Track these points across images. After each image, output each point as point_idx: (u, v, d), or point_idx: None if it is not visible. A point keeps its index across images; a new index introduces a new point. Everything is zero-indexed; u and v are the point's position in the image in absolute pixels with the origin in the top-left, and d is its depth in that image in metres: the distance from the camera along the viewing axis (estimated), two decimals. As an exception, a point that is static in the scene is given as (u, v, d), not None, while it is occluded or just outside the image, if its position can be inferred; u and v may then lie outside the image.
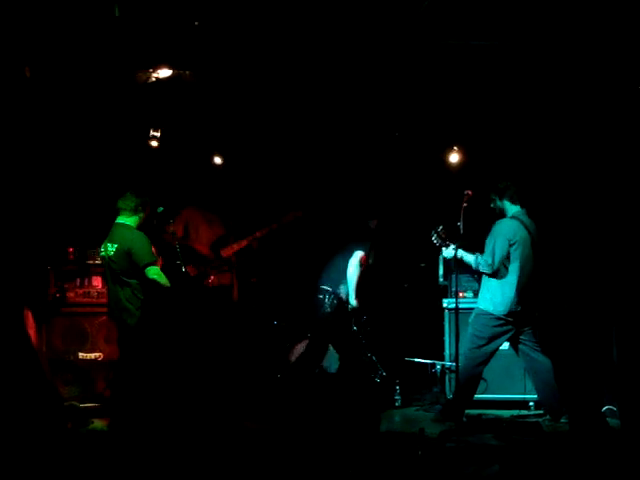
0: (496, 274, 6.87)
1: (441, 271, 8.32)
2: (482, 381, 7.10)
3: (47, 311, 7.57)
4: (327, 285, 8.15)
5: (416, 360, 8.40)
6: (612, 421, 6.85)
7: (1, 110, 6.43)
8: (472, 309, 7.17)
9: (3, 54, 6.20)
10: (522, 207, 7.03)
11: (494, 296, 6.91)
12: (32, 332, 6.80)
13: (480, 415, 7.30)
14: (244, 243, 8.23)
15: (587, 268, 7.56)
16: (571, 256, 7.72)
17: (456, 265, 7.08)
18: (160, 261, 6.91)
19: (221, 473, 5.34)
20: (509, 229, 6.90)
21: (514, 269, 6.86)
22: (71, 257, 7.90)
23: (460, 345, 6.94)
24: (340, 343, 8.12)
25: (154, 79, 6.99)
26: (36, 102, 6.90)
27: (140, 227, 6.83)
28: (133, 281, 6.65)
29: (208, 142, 8.23)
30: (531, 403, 7.58)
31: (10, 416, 5.79)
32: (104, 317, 7.51)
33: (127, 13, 5.84)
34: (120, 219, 6.80)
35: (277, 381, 7.85)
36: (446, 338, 7.94)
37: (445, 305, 7.98)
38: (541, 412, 7.23)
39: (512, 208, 7.02)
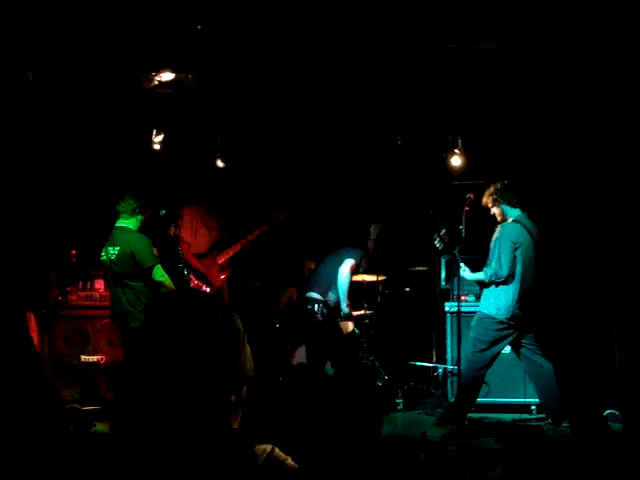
0: (506, 280, 6.85)
1: (443, 275, 8.34)
2: (484, 385, 7.10)
3: (49, 314, 7.58)
4: (315, 292, 8.12)
5: (418, 364, 8.40)
6: (614, 425, 6.84)
7: (4, 114, 6.44)
8: (474, 313, 7.17)
9: (6, 58, 6.21)
10: (523, 211, 7.03)
11: (496, 300, 6.90)
12: (34, 335, 6.81)
13: (482, 419, 7.30)
14: (238, 247, 8.23)
15: (589, 272, 7.56)
16: (573, 260, 7.72)
17: (458, 269, 7.09)
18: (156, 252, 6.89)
19: (222, 476, 5.34)
20: (513, 233, 6.89)
21: (517, 273, 6.85)
22: (73, 260, 7.91)
23: (462, 349, 6.96)
24: (334, 351, 8.10)
25: (156, 83, 7.00)
26: (39, 106, 6.91)
27: (143, 230, 6.83)
28: (136, 284, 6.63)
29: (207, 145, 8.24)
30: (533, 407, 7.58)
31: (11, 418, 5.79)
32: (106, 320, 7.50)
33: (129, 17, 5.86)
34: (120, 222, 6.79)
35: (279, 384, 7.86)
36: (448, 342, 7.94)
37: (447, 309, 7.98)
38: (543, 416, 7.23)
39: (512, 212, 7.01)
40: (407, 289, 9.32)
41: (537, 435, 6.69)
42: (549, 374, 6.90)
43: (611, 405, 7.11)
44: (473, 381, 6.91)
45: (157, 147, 7.97)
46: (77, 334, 7.76)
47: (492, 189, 7.04)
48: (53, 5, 5.70)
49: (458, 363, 6.97)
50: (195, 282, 7.96)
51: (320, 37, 6.16)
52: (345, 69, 6.83)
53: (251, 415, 6.80)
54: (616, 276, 7.02)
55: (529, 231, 6.92)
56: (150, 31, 6.04)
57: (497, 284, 6.89)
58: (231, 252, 8.21)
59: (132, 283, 6.64)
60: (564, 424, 6.88)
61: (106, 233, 6.89)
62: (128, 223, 6.76)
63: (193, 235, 8.14)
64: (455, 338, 7.25)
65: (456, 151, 8.01)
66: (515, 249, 6.84)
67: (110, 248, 6.67)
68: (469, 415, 7.03)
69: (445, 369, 7.98)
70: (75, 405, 7.31)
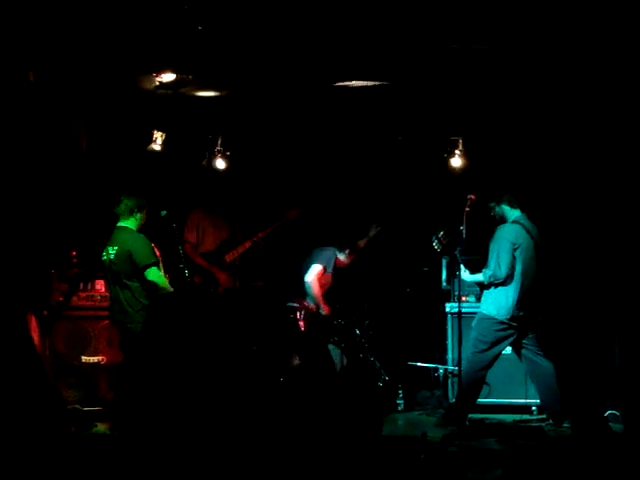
0: (506, 281, 6.85)
1: (444, 275, 8.33)
2: (485, 385, 7.10)
3: (51, 315, 7.58)
4: (294, 300, 8.14)
5: (419, 364, 8.40)
6: (615, 426, 6.84)
7: (5, 115, 6.44)
8: (475, 313, 7.17)
9: (7, 58, 6.21)
10: (522, 211, 7.03)
11: (497, 300, 6.91)
12: (35, 335, 6.81)
13: (483, 419, 7.30)
14: (247, 245, 8.24)
15: (589, 272, 7.56)
16: (573, 260, 7.72)
17: (459, 269, 7.10)
18: (158, 252, 6.90)
19: (224, 476, 5.35)
20: (511, 233, 6.90)
21: (517, 273, 6.85)
22: (74, 261, 7.92)
23: (463, 349, 6.95)
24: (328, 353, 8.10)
25: (158, 83, 7.00)
26: (40, 107, 6.91)
27: (143, 229, 6.85)
28: (134, 284, 6.65)
29: (210, 145, 8.24)
30: (534, 407, 7.58)
31: (13, 419, 5.80)
32: (107, 321, 7.51)
33: (130, 18, 5.86)
34: (120, 223, 6.82)
35: (280, 385, 7.85)
36: (449, 342, 7.94)
37: (448, 309, 7.98)
38: (544, 417, 7.23)
39: (512, 213, 7.01)
40: (408, 289, 9.30)
41: (538, 436, 6.69)
42: (550, 375, 6.90)
43: (612, 406, 7.11)
44: (474, 382, 6.92)
45: (158, 148, 7.97)
46: (78, 335, 7.76)
47: (492, 190, 7.06)
48: (54, 6, 5.70)
49: (459, 364, 6.97)
50: (200, 281, 7.99)
51: (323, 37, 6.16)
52: (347, 69, 6.83)
53: (253, 415, 6.81)
54: (617, 277, 7.03)
55: (528, 232, 6.92)
56: (151, 32, 6.04)
57: (497, 285, 6.89)
58: (241, 250, 8.23)
59: (130, 283, 6.65)
60: (565, 425, 6.88)
61: (107, 234, 6.90)
62: (128, 223, 6.79)
63: (199, 235, 8.15)
64: (456, 339, 7.25)
65: (457, 152, 8.01)
66: (514, 250, 6.84)
67: (110, 248, 6.71)
68: (470, 416, 7.03)
69: (446, 370, 7.98)
70: (76, 406, 7.33)
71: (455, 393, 7.53)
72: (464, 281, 7.33)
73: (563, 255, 7.68)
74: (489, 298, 6.99)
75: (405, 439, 6.65)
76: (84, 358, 7.72)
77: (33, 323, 6.89)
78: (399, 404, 8.00)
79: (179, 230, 7.35)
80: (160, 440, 6.19)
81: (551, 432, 6.80)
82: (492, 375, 7.13)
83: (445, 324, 8.02)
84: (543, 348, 6.98)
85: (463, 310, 7.15)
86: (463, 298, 7.60)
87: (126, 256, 6.61)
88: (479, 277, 7.00)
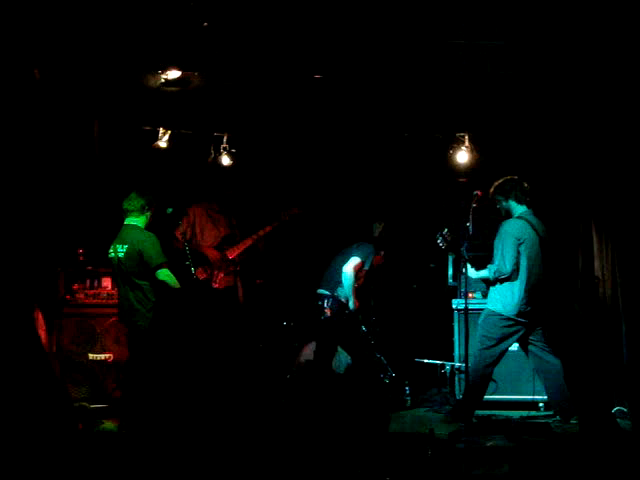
0: (511, 277, 6.84)
1: (450, 272, 8.33)
2: (492, 382, 7.09)
3: (58, 312, 7.60)
4: (325, 288, 8.10)
5: (425, 361, 8.40)
6: (622, 422, 6.83)
7: (11, 112, 6.45)
8: (481, 310, 7.16)
9: (13, 56, 6.22)
10: (528, 207, 7.02)
11: (503, 297, 6.90)
12: (42, 333, 6.82)
13: (490, 416, 7.28)
14: (249, 243, 8.22)
15: (596, 268, 7.54)
16: (579, 256, 7.70)
17: (464, 266, 7.08)
18: None
19: (231, 473, 5.35)
20: (516, 229, 6.89)
21: (523, 269, 6.84)
22: (81, 258, 7.93)
23: (469, 346, 6.95)
24: (348, 346, 8.10)
25: (163, 81, 7.00)
26: (45, 104, 6.92)
27: (149, 227, 6.84)
28: (144, 283, 6.64)
29: (214, 142, 8.24)
30: (541, 404, 7.57)
31: (20, 417, 5.81)
32: (114, 318, 7.52)
33: (135, 15, 5.86)
34: (128, 220, 6.80)
35: (286, 382, 7.86)
36: (455, 339, 7.93)
37: (454, 306, 7.97)
38: (551, 413, 7.22)
39: (518, 208, 7.00)
40: (414, 286, 9.31)
41: (545, 432, 6.68)
42: (557, 371, 6.89)
43: (619, 402, 7.10)
44: (481, 378, 6.91)
45: (163, 145, 7.97)
46: (85, 332, 7.78)
47: (500, 185, 7.05)
48: (58, 3, 5.71)
49: (465, 360, 6.96)
50: (219, 280, 7.98)
51: (327, 34, 6.15)
52: (352, 65, 6.81)
53: (258, 413, 6.81)
54: (624, 272, 7.00)
55: (533, 227, 6.91)
56: (156, 29, 6.04)
57: (503, 280, 6.88)
58: (242, 247, 8.20)
59: (140, 282, 6.64)
60: (572, 421, 6.87)
61: (113, 231, 6.90)
62: (137, 221, 6.77)
63: (199, 232, 8.13)
64: (462, 335, 7.25)
65: (463, 148, 8.00)
66: (519, 245, 6.83)
67: (119, 246, 6.68)
68: (477, 412, 7.02)
69: (452, 366, 7.97)
70: (83, 403, 7.34)
71: (462, 390, 7.53)
72: (470, 278, 7.32)
73: (569, 250, 7.66)
74: (495, 294, 6.98)
75: (412, 436, 6.65)
76: (91, 355, 7.74)
77: (40, 320, 6.90)
78: (406, 401, 7.99)
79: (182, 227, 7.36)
80: (167, 437, 6.20)
81: (558, 429, 6.79)
82: (499, 372, 7.12)
83: (452, 321, 8.01)
84: (550, 344, 6.97)
85: (470, 306, 7.14)
86: (469, 294, 7.59)
87: (137, 255, 6.60)
88: (485, 273, 7.00)
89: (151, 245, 6.63)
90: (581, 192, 7.61)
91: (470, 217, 6.89)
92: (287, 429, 6.58)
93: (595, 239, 7.21)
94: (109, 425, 6.99)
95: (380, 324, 8.57)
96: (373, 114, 7.92)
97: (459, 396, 7.67)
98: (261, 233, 8.22)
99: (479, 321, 7.05)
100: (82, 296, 7.83)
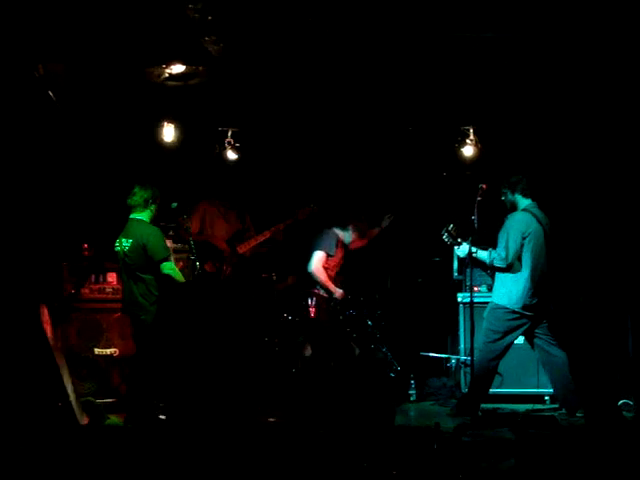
0: (510, 268, 6.85)
1: (455, 265, 8.32)
2: (497, 375, 7.09)
3: (64, 308, 7.61)
4: (306, 285, 8.12)
5: (431, 354, 8.40)
6: (628, 415, 6.82)
7: (15, 108, 6.46)
8: (486, 303, 7.17)
9: (16, 52, 6.22)
10: (533, 200, 7.01)
11: (509, 290, 6.89)
12: (47, 327, 6.83)
13: (495, 409, 7.29)
14: (260, 239, 8.23)
15: (601, 261, 7.54)
16: (585, 248, 7.69)
17: (470, 260, 7.07)
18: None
19: (236, 465, 5.36)
20: (522, 222, 6.89)
21: (528, 262, 6.84)
22: (86, 253, 7.94)
23: (475, 339, 6.94)
24: (334, 340, 8.09)
25: (167, 75, 7.00)
26: (49, 100, 6.92)
27: (154, 221, 6.86)
28: (148, 276, 6.68)
29: (223, 136, 8.23)
30: (546, 397, 7.57)
31: (25, 411, 5.82)
32: (119, 313, 7.52)
33: (139, 9, 5.85)
34: (134, 214, 6.84)
35: (292, 376, 7.86)
36: (461, 332, 7.93)
37: (460, 299, 7.97)
38: (556, 406, 7.22)
39: (524, 201, 7.00)
40: (419, 280, 9.29)
41: (551, 425, 6.68)
42: (563, 364, 6.88)
43: (625, 395, 7.09)
44: (486, 371, 6.91)
45: (169, 139, 7.97)
46: (90, 327, 7.78)
47: (506, 178, 7.05)
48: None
49: (471, 354, 6.95)
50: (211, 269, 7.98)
51: (333, 27, 6.14)
52: (358, 58, 6.80)
53: (264, 407, 6.82)
54: (630, 265, 7.00)
55: (539, 220, 6.90)
56: (159, 23, 6.03)
57: (507, 273, 6.86)
58: (253, 243, 8.21)
59: (144, 275, 6.68)
60: (578, 414, 6.87)
61: (117, 226, 6.91)
62: (142, 215, 6.81)
63: (209, 227, 8.14)
64: (468, 329, 7.24)
65: (468, 141, 7.99)
66: (523, 238, 6.83)
67: (124, 240, 6.73)
68: (482, 405, 7.03)
69: (458, 360, 7.97)
70: (89, 398, 7.34)
71: (467, 383, 7.53)
72: (475, 271, 7.31)
73: (575, 243, 7.66)
74: (501, 288, 6.97)
75: (418, 429, 6.66)
76: (97, 350, 7.74)
77: (45, 315, 6.91)
78: (411, 394, 8.00)
79: (189, 222, 7.35)
80: (173, 431, 6.21)
81: (564, 421, 6.78)
82: (504, 365, 7.12)
83: (457, 314, 8.01)
84: (556, 337, 6.96)
85: (475, 300, 7.13)
86: (475, 288, 7.59)
87: (141, 249, 6.64)
88: (484, 255, 6.95)
89: (155, 239, 6.67)
90: (587, 183, 7.62)
91: (475, 210, 6.88)
92: (293, 423, 6.58)
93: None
94: (115, 419, 7.00)
95: (385, 318, 8.56)
96: (378, 108, 7.91)
97: (465, 389, 7.67)
98: (281, 227, 8.24)
99: (485, 314, 7.05)
100: (87, 291, 7.83)
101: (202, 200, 8.22)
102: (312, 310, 8.00)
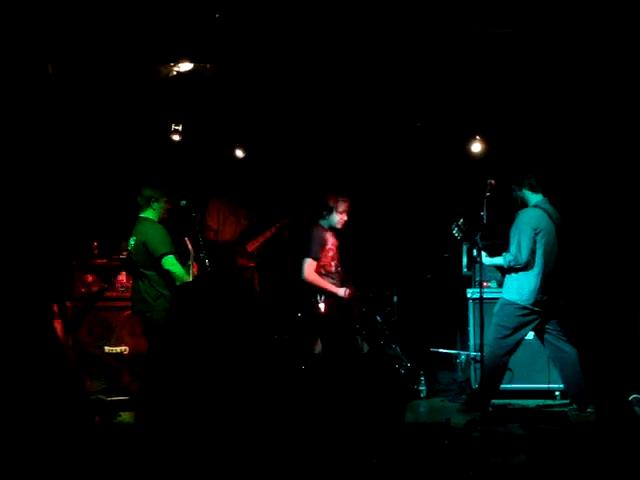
0: (527, 266, 6.82)
1: (465, 261, 8.31)
2: (507, 371, 7.08)
3: (84, 307, 7.65)
4: (308, 294, 8.04)
5: (441, 350, 8.39)
6: (639, 410, 6.80)
7: (25, 107, 6.47)
8: (496, 299, 7.15)
9: (26, 51, 6.24)
10: (544, 196, 6.99)
11: (519, 286, 6.88)
12: (58, 326, 6.86)
13: (506, 405, 7.28)
14: (267, 235, 8.25)
15: (612, 256, 7.51)
16: (595, 244, 7.67)
17: (479, 255, 7.06)
18: (190, 247, 6.92)
19: (246, 462, 5.37)
20: (533, 218, 6.87)
21: (539, 258, 6.82)
22: (96, 252, 7.97)
23: (485, 335, 6.93)
24: (343, 338, 8.06)
25: (175, 73, 7.01)
26: (59, 98, 6.94)
27: (163, 219, 6.87)
28: (151, 273, 6.70)
29: (229, 134, 8.25)
30: (557, 393, 7.55)
31: (36, 410, 5.84)
32: (129, 311, 7.54)
33: (147, 7, 5.86)
34: (141, 214, 6.87)
35: (302, 372, 7.86)
36: (470, 328, 7.91)
37: (469, 295, 7.96)
38: (567, 402, 7.21)
39: (534, 197, 6.98)
40: (429, 276, 9.29)
41: (562, 421, 6.67)
42: (573, 359, 6.87)
43: (636, 390, 7.07)
44: (496, 367, 6.90)
45: (178, 138, 7.99)
46: (101, 325, 7.81)
47: (514, 175, 7.03)
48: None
49: (481, 349, 6.94)
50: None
51: (341, 22, 6.14)
52: (365, 56, 6.80)
53: (276, 404, 6.82)
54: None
55: (550, 216, 6.88)
56: (168, 21, 6.04)
57: (519, 270, 6.86)
58: (261, 239, 8.24)
59: (147, 272, 6.71)
60: (589, 410, 6.85)
61: (128, 225, 6.94)
62: (147, 213, 6.84)
63: (220, 224, 8.17)
64: (478, 325, 7.23)
65: (477, 137, 7.97)
66: (535, 234, 6.81)
67: (131, 238, 6.79)
68: (493, 401, 7.02)
69: (468, 356, 7.96)
70: (100, 396, 7.37)
71: (478, 379, 7.52)
72: (485, 267, 7.30)
73: (585, 239, 7.64)
74: (511, 283, 6.96)
75: (428, 425, 6.66)
76: (107, 348, 7.77)
77: (56, 314, 6.94)
78: (421, 391, 7.98)
79: (198, 219, 7.37)
80: (183, 429, 6.22)
81: (574, 417, 6.78)
82: (515, 360, 7.10)
83: (467, 310, 8.00)
84: (566, 333, 6.94)
85: (485, 296, 7.12)
86: (484, 284, 7.58)
87: (142, 246, 6.68)
88: (499, 260, 6.98)
89: (155, 235, 6.70)
90: (597, 178, 7.60)
91: (484, 206, 6.87)
92: (303, 419, 6.59)
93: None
94: (126, 417, 7.02)
95: (395, 314, 8.56)
96: (387, 104, 7.91)
97: (475, 385, 7.66)
98: (284, 221, 8.24)
99: (495, 310, 7.04)
100: (97, 289, 7.86)
101: (211, 198, 8.25)
102: (322, 306, 7.94)
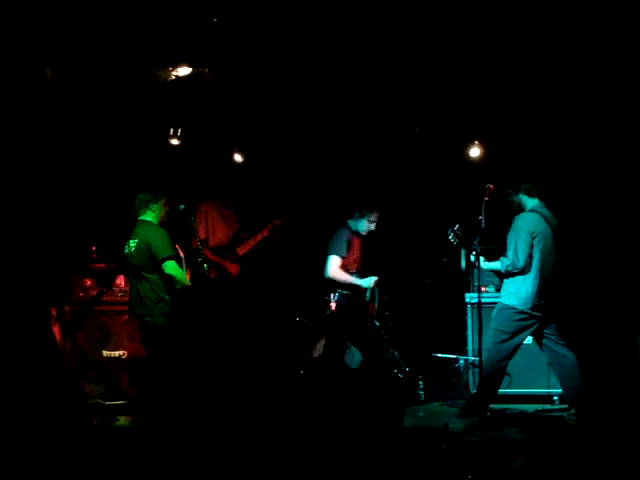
0: (524, 270, 6.82)
1: (463, 265, 8.30)
2: (506, 376, 7.07)
3: (82, 312, 7.65)
4: (327, 290, 8.04)
5: (439, 355, 8.39)
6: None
7: (23, 111, 6.47)
8: (494, 303, 7.15)
9: (24, 55, 6.24)
10: (540, 200, 6.99)
11: (517, 290, 6.88)
12: (57, 330, 6.86)
13: (504, 410, 7.27)
14: (259, 238, 8.24)
15: (610, 260, 7.52)
16: (593, 248, 7.68)
17: (477, 259, 7.07)
18: (181, 252, 6.92)
19: (244, 466, 5.36)
20: (529, 223, 6.87)
21: (536, 263, 6.82)
22: (94, 256, 7.96)
23: (483, 340, 6.93)
24: (356, 339, 8.05)
25: (173, 77, 7.01)
26: (57, 102, 6.95)
27: (163, 222, 6.87)
28: (152, 276, 6.69)
29: (224, 139, 8.26)
30: (555, 397, 7.55)
31: (35, 414, 5.83)
32: (127, 315, 7.54)
33: (145, 12, 5.87)
34: (141, 217, 6.87)
35: (299, 377, 7.85)
36: (469, 333, 7.92)
37: (467, 300, 7.96)
38: (565, 406, 7.20)
39: (530, 202, 6.98)
40: (427, 280, 9.28)
41: (560, 425, 6.67)
42: (571, 364, 6.86)
43: (634, 395, 7.06)
44: (495, 372, 6.89)
45: (175, 142, 8.00)
46: (99, 330, 7.80)
47: (510, 179, 7.04)
48: (69, 2, 5.73)
49: (479, 354, 6.94)
50: (215, 275, 8.00)
51: (339, 27, 6.15)
52: (362, 59, 6.81)
53: (273, 409, 6.81)
54: (638, 264, 6.98)
55: (547, 220, 6.88)
56: (166, 25, 6.05)
57: (516, 274, 6.86)
58: (252, 243, 8.23)
59: (148, 275, 6.70)
60: (587, 414, 6.83)
61: (126, 229, 6.94)
62: (147, 216, 6.84)
63: (210, 230, 8.16)
64: (476, 329, 7.23)
65: (475, 141, 7.98)
66: (532, 239, 6.81)
67: (131, 241, 6.79)
68: (491, 406, 7.01)
69: (466, 360, 7.96)
70: (98, 400, 7.37)
71: (476, 384, 7.51)
72: (483, 271, 7.30)
73: (583, 243, 7.64)
74: (509, 288, 6.96)
75: (427, 430, 6.65)
76: (105, 353, 7.77)
77: (54, 318, 6.93)
78: (420, 395, 7.98)
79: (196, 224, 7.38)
80: (181, 433, 6.21)
81: (573, 422, 6.77)
82: (513, 365, 7.09)
83: (465, 315, 7.99)
84: (564, 337, 6.94)
85: (483, 300, 7.12)
86: (483, 288, 7.58)
87: (145, 249, 6.67)
88: (496, 265, 6.99)
89: (158, 238, 6.69)
90: (595, 183, 7.60)
91: (482, 211, 6.87)
92: (302, 424, 6.58)
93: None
94: (124, 422, 7.02)
95: (393, 319, 8.55)
96: (385, 108, 7.92)
97: (473, 390, 7.65)
98: (277, 222, 8.24)
99: (493, 315, 7.04)
100: (95, 293, 7.85)
101: (201, 202, 8.22)
102: (334, 305, 7.89)
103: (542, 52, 6.62)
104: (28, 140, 6.53)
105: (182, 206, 7.13)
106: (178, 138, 8.03)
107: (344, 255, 7.84)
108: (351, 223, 7.94)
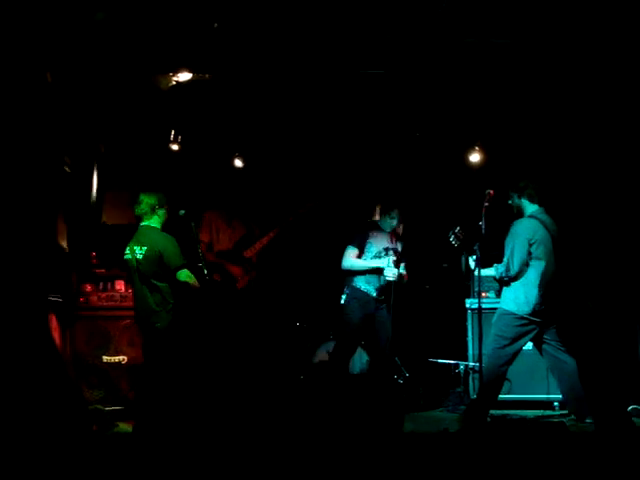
0: (518, 276, 6.83)
1: (463, 269, 8.31)
2: (506, 381, 7.07)
3: (71, 315, 7.62)
4: (345, 282, 7.98)
5: (439, 361, 8.38)
6: (638, 421, 6.79)
7: (24, 116, 6.48)
8: (494, 309, 7.14)
9: (25, 59, 6.25)
10: (540, 206, 6.99)
11: (517, 296, 6.87)
12: (56, 335, 6.84)
13: (504, 415, 7.27)
14: (265, 241, 8.25)
15: (610, 266, 7.52)
16: (594, 254, 7.67)
17: (477, 264, 7.06)
18: None
19: (243, 472, 5.36)
20: (528, 229, 6.86)
21: (536, 268, 6.82)
22: (94, 261, 7.96)
23: (483, 345, 6.92)
24: (366, 339, 8.02)
25: (174, 83, 7.02)
26: (58, 107, 6.95)
27: (164, 226, 6.84)
28: (163, 284, 6.59)
29: (224, 143, 8.27)
30: (555, 403, 7.55)
31: (34, 419, 5.83)
32: (127, 320, 7.54)
33: (146, 17, 5.88)
34: (144, 222, 6.78)
35: (300, 383, 7.85)
36: (469, 338, 7.92)
37: (468, 305, 7.95)
38: (566, 412, 7.20)
39: (530, 207, 6.98)
40: (427, 286, 9.28)
41: (560, 432, 6.65)
42: (572, 370, 6.85)
43: (635, 400, 7.06)
44: (495, 378, 6.88)
45: (176, 147, 8.01)
46: (99, 335, 7.79)
47: (514, 182, 7.03)
48: (70, 7, 5.74)
49: (479, 360, 6.93)
50: (219, 279, 8.02)
51: (340, 32, 6.16)
52: (364, 65, 6.82)
53: (274, 414, 6.81)
54: (639, 270, 6.98)
55: (546, 226, 6.88)
56: (167, 31, 6.06)
57: (516, 280, 6.86)
58: (259, 246, 8.24)
59: (159, 283, 6.59)
60: (587, 420, 6.83)
61: (125, 234, 6.90)
62: (152, 222, 6.74)
63: (214, 234, 8.17)
64: (476, 335, 7.23)
65: (475, 147, 7.99)
66: (530, 245, 6.81)
67: (137, 247, 6.62)
68: (491, 412, 7.00)
69: (466, 366, 7.96)
70: (98, 406, 7.35)
71: (476, 389, 7.51)
72: (484, 277, 7.30)
73: (583, 248, 7.64)
74: (509, 294, 6.95)
75: (427, 436, 6.64)
76: (105, 358, 7.75)
77: (54, 323, 6.92)
78: (420, 401, 7.97)
79: (197, 229, 7.37)
80: (181, 439, 6.20)
81: (573, 428, 6.76)
82: (513, 371, 7.09)
83: (465, 320, 7.99)
84: (564, 343, 6.93)
85: (483, 306, 7.12)
86: (483, 294, 7.57)
87: (156, 257, 6.55)
88: (490, 272, 6.99)
89: (171, 247, 6.60)
90: (595, 189, 7.61)
91: (482, 216, 6.87)
92: (302, 429, 6.57)
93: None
94: (124, 427, 7.00)
95: (393, 324, 8.54)
96: (385, 114, 7.93)
97: (473, 396, 7.65)
98: (277, 230, 8.26)
99: (493, 320, 7.03)
100: (95, 299, 7.85)
101: (207, 210, 8.25)
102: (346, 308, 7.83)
103: (543, 58, 6.62)
104: (29, 144, 6.52)
105: (182, 211, 7.10)
106: (178, 143, 8.04)
107: (356, 245, 7.81)
108: (379, 221, 8.00)
